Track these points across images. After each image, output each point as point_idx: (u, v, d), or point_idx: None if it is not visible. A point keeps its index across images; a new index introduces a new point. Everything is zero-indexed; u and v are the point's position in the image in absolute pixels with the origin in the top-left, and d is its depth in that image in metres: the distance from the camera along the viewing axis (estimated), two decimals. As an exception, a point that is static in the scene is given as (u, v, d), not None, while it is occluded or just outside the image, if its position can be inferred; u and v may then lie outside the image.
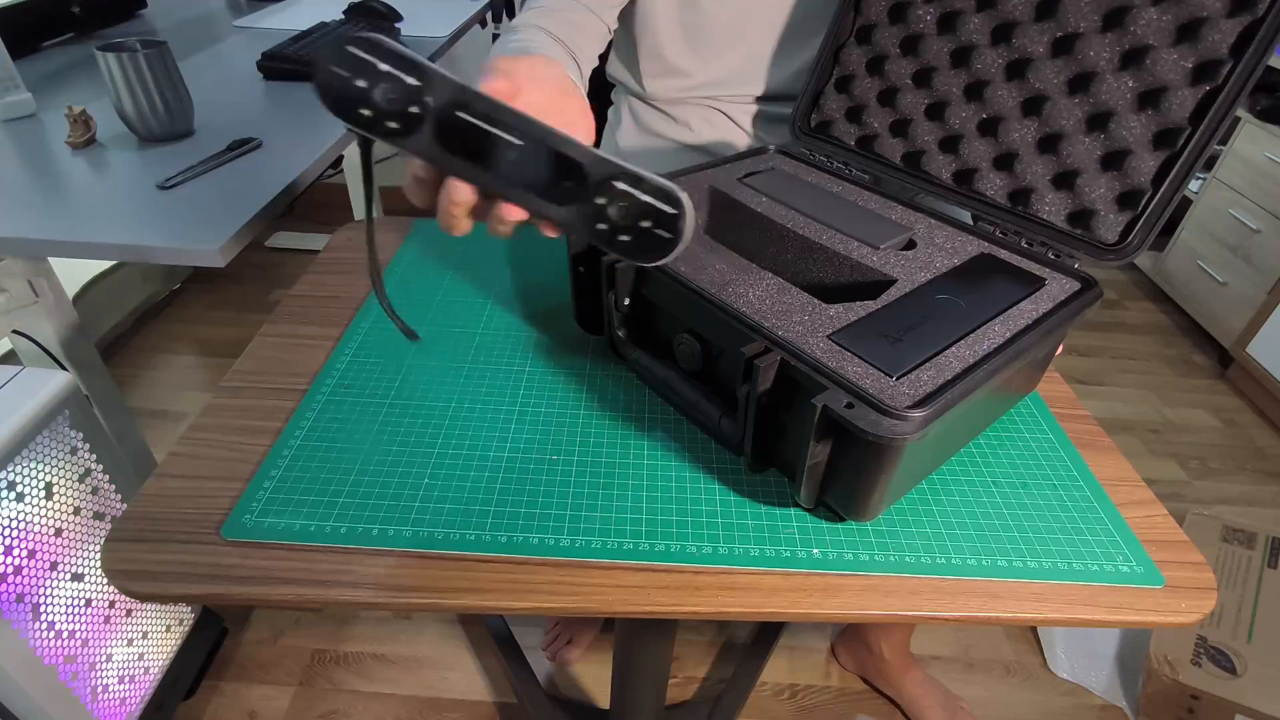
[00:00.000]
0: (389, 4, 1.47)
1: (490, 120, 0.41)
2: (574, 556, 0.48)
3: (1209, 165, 2.11)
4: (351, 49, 0.40)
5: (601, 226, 0.41)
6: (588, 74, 0.78)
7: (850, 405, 0.44)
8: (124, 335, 1.88)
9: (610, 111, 1.03)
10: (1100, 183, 0.59)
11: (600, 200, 0.41)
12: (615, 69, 0.97)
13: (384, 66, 0.40)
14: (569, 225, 0.42)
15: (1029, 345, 0.50)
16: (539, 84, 0.49)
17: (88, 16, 1.39)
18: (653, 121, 0.94)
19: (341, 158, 1.93)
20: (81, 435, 0.84)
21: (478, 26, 1.67)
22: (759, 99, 0.89)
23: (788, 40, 0.84)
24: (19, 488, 0.76)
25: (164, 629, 1.03)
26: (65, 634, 0.84)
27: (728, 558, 0.49)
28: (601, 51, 0.82)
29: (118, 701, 0.94)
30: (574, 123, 0.49)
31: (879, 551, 0.50)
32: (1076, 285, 0.57)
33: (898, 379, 0.46)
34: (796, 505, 0.52)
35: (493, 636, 1.20)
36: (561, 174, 0.41)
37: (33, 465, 0.77)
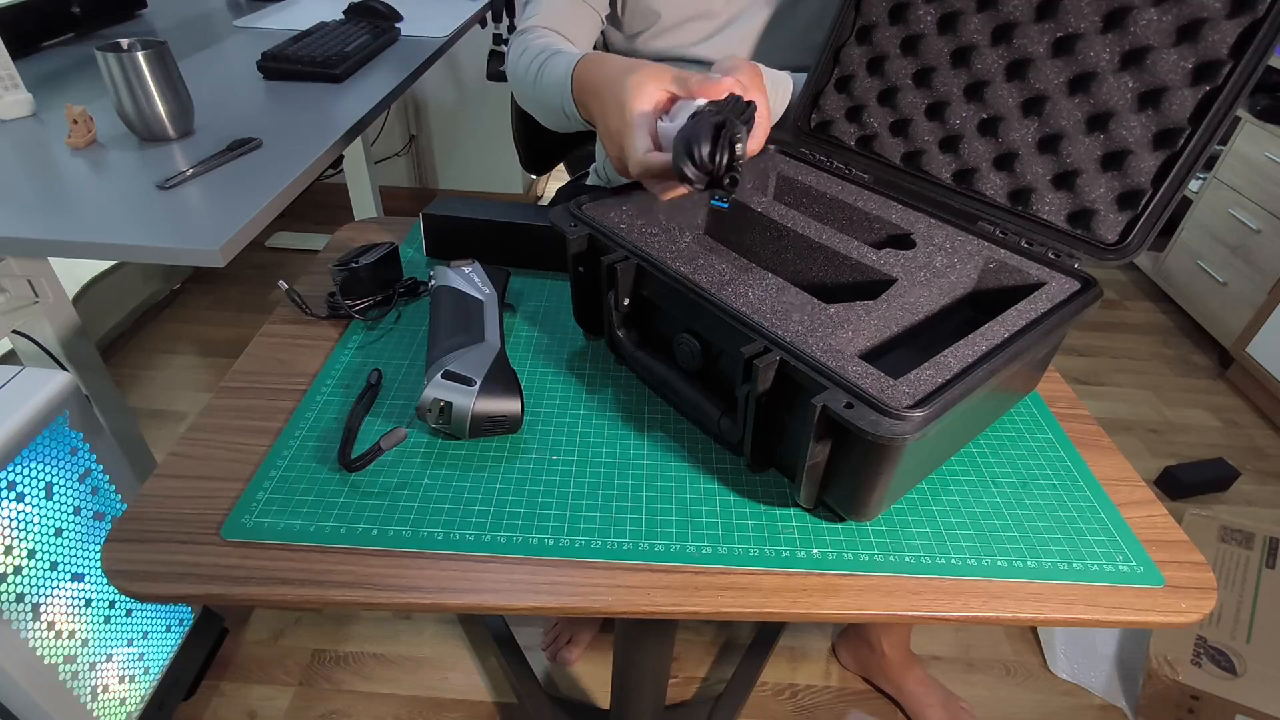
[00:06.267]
0: (389, 4, 1.47)
1: None
2: (574, 556, 0.48)
3: (1209, 165, 2.10)
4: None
5: None
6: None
7: (850, 405, 0.44)
8: (124, 335, 1.88)
9: None
10: (1100, 183, 0.59)
11: None
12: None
13: None
14: None
15: (1029, 345, 0.50)
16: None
17: (88, 16, 1.39)
18: None
19: (341, 158, 1.92)
20: (81, 435, 0.84)
21: (477, 26, 1.67)
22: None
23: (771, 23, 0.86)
24: (19, 488, 0.76)
25: (164, 629, 1.03)
26: (65, 634, 0.84)
27: (728, 558, 0.49)
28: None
29: (118, 701, 0.94)
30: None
31: (879, 551, 0.50)
32: (1076, 285, 0.57)
33: (897, 378, 0.46)
34: (796, 505, 0.52)
35: (493, 636, 1.20)
36: None
37: (33, 465, 0.77)
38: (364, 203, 1.98)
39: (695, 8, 0.85)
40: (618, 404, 0.61)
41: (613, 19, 0.92)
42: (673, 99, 0.58)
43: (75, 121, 0.92)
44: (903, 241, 0.63)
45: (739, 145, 0.50)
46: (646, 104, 0.57)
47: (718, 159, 0.49)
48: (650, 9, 0.86)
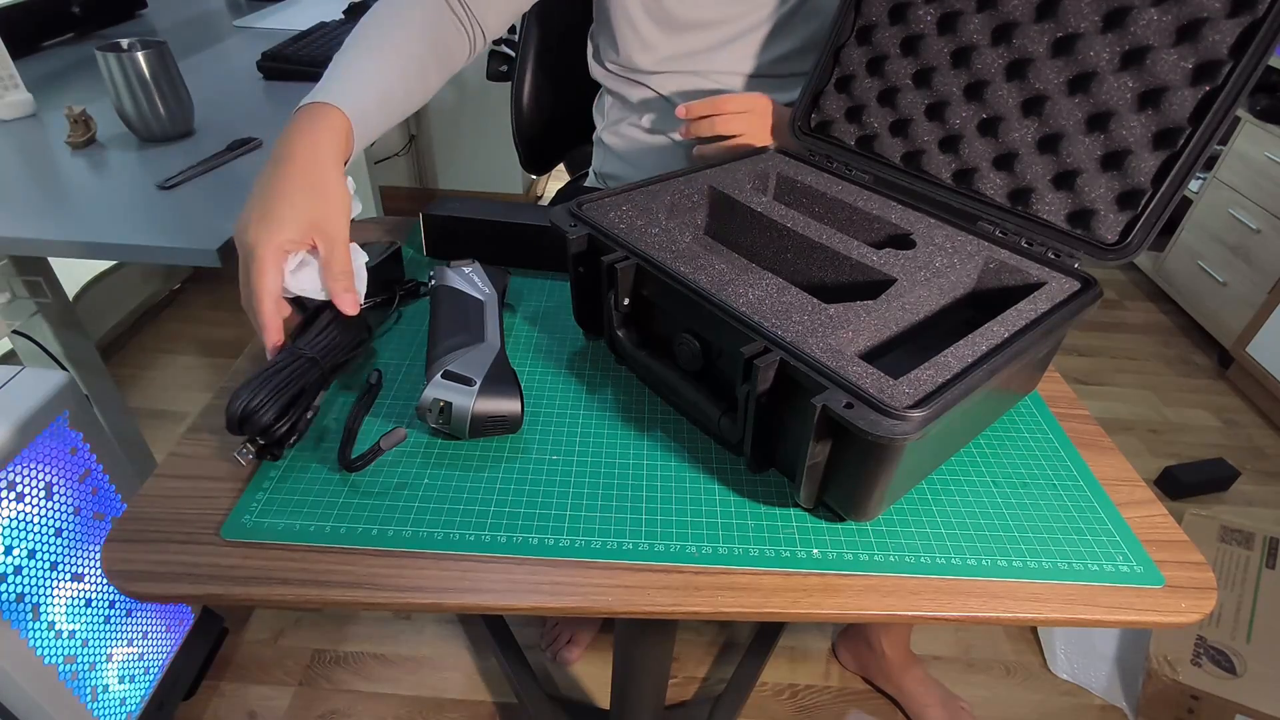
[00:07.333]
0: (389, 4, 1.47)
1: None
2: (574, 556, 0.48)
3: (1209, 165, 2.11)
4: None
5: None
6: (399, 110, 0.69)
7: (850, 405, 0.44)
8: (124, 335, 1.88)
9: (595, 111, 1.03)
10: (1100, 182, 0.59)
11: None
12: (595, 70, 0.97)
13: None
14: None
15: (1029, 345, 0.50)
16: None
17: (88, 16, 1.39)
18: (637, 106, 0.94)
19: (341, 158, 1.93)
20: (81, 435, 0.84)
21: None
22: (747, 75, 0.90)
23: (767, 25, 0.86)
24: (19, 488, 0.76)
25: (164, 629, 1.03)
26: (65, 634, 0.84)
27: (727, 558, 0.49)
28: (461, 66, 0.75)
29: (118, 701, 0.94)
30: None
31: (879, 551, 0.50)
32: (1076, 285, 0.57)
33: (897, 378, 0.46)
34: (796, 505, 0.52)
35: (493, 636, 1.20)
36: None
37: (33, 465, 0.77)
38: (364, 203, 1.98)
39: (707, 14, 0.85)
40: (618, 404, 0.61)
41: (637, 28, 0.89)
42: (315, 246, 0.54)
43: (75, 121, 0.92)
44: (903, 241, 0.63)
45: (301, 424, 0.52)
46: (301, 236, 0.52)
47: (275, 430, 0.51)
48: (669, 13, 0.86)
